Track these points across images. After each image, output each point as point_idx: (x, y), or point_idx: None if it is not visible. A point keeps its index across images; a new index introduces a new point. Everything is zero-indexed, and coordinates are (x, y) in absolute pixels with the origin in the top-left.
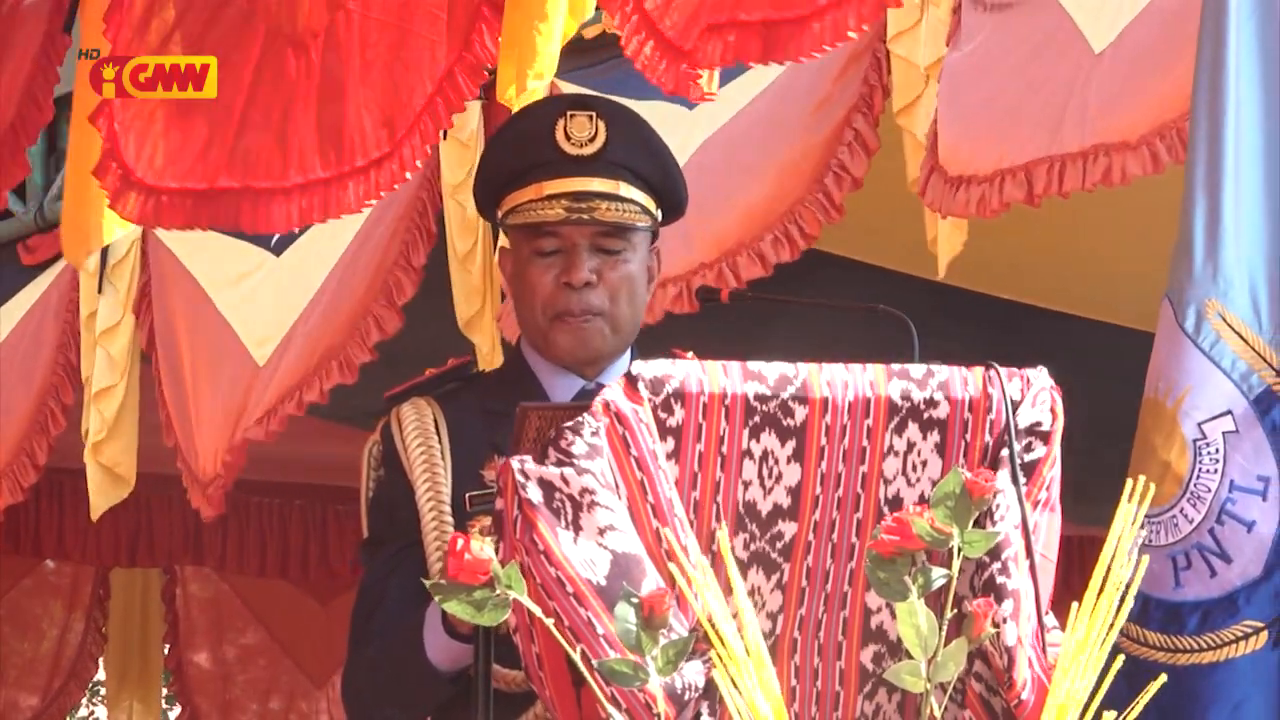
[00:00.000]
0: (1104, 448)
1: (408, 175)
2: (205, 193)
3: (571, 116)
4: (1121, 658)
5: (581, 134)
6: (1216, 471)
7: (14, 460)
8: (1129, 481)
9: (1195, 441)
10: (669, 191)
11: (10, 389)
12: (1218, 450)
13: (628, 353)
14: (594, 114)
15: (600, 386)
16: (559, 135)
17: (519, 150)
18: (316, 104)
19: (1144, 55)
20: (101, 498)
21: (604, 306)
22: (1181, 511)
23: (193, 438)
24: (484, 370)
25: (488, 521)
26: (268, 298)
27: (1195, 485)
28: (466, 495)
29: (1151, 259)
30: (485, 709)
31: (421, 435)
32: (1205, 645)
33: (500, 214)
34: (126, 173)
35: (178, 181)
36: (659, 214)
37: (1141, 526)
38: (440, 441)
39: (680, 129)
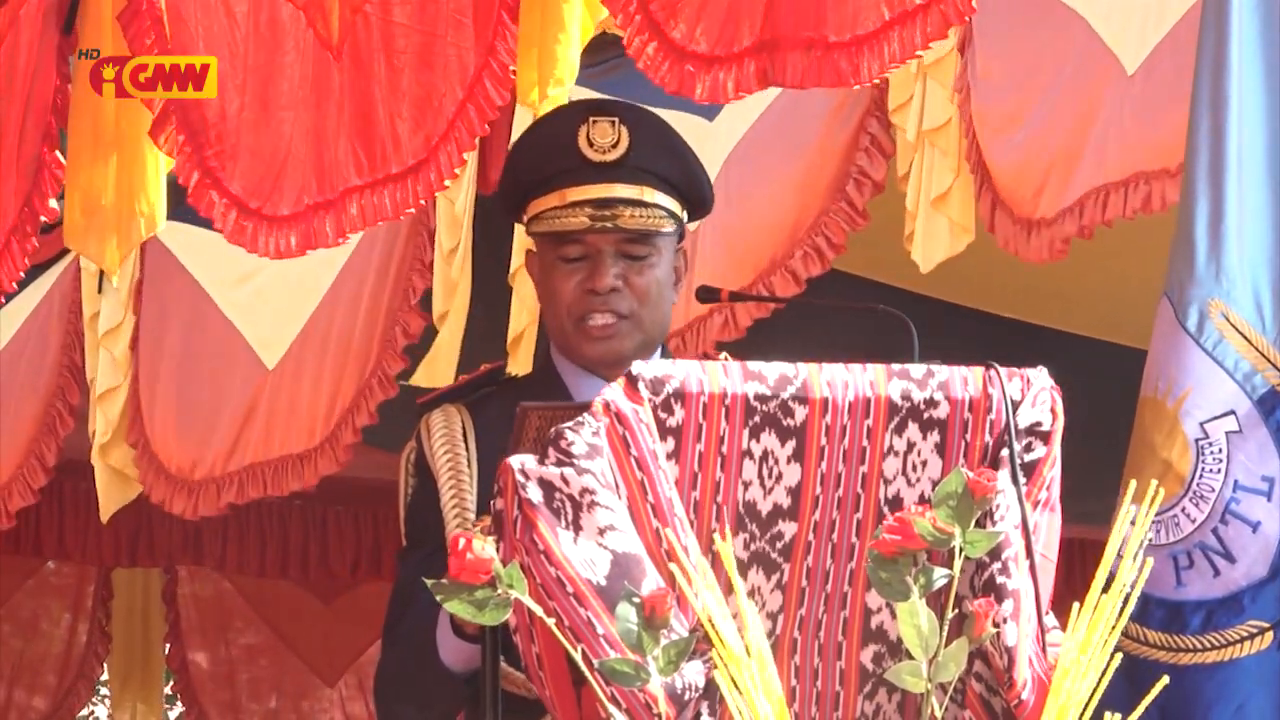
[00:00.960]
0: (1102, 455)
1: (446, 183)
2: (302, 214)
3: (594, 123)
4: (1119, 657)
5: (605, 140)
6: (1220, 471)
7: (24, 463)
8: (1133, 483)
9: (1197, 441)
10: (694, 192)
11: (18, 390)
12: (1221, 450)
13: (656, 355)
14: (616, 119)
15: None
16: (582, 141)
17: (543, 157)
18: (351, 113)
19: (1176, 76)
20: (110, 500)
21: (630, 311)
22: (1183, 510)
23: (166, 432)
24: (516, 375)
25: (489, 520)
26: (273, 300)
27: (1198, 484)
28: (491, 501)
29: (1142, 273)
30: (494, 708)
31: (448, 442)
32: (1209, 645)
33: (526, 219)
34: (237, 202)
35: (289, 207)
36: (684, 215)
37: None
38: (467, 448)
39: (704, 143)
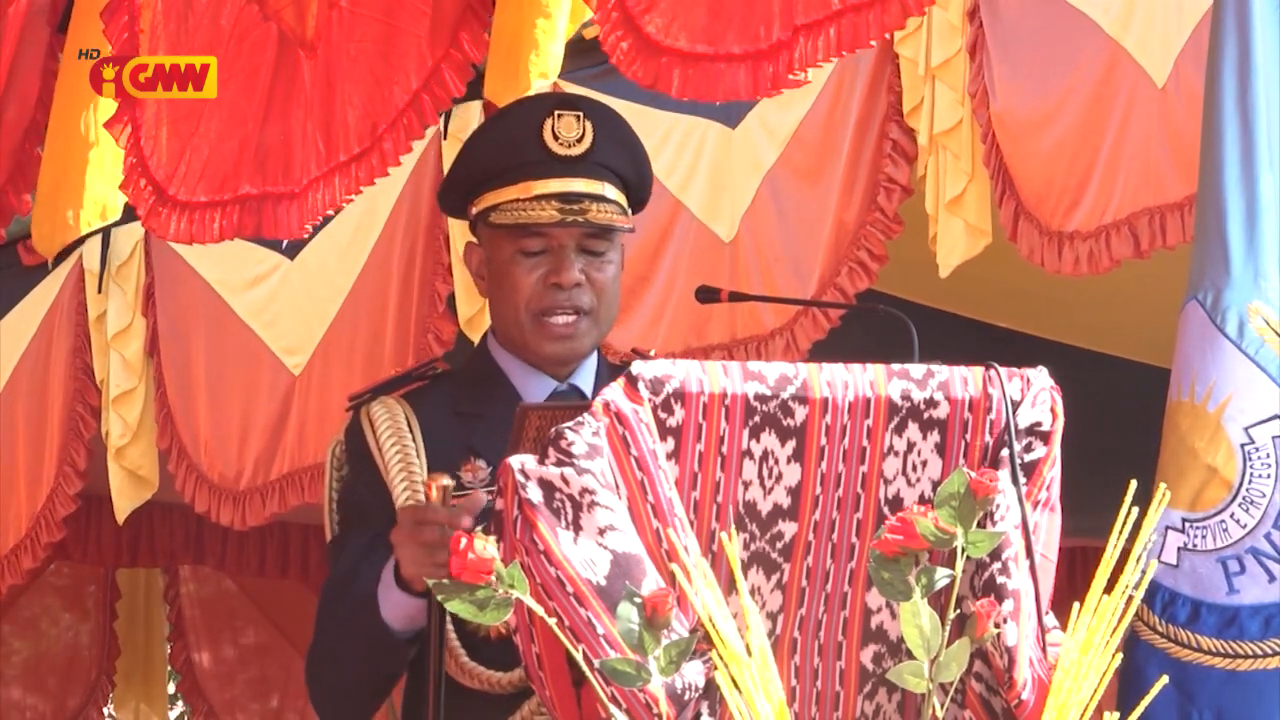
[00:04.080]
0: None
1: (389, 170)
2: (230, 201)
3: (559, 116)
4: (1119, 657)
5: (570, 134)
6: (1270, 476)
7: (59, 470)
8: (1133, 483)
9: (1243, 446)
10: (641, 191)
11: (41, 397)
12: (1269, 455)
13: (595, 352)
14: (581, 114)
15: (573, 387)
16: (546, 134)
17: (505, 148)
18: (318, 104)
19: (1202, 88)
20: (125, 500)
21: (591, 306)
22: (1232, 516)
23: (205, 441)
24: (447, 370)
25: (444, 480)
26: (289, 304)
27: (1248, 490)
28: (430, 478)
29: (1139, 283)
30: (438, 664)
31: (395, 434)
32: (1271, 650)
33: (476, 210)
34: (159, 189)
35: (208, 195)
36: (630, 213)
37: (1154, 531)
38: (414, 440)
39: (730, 151)
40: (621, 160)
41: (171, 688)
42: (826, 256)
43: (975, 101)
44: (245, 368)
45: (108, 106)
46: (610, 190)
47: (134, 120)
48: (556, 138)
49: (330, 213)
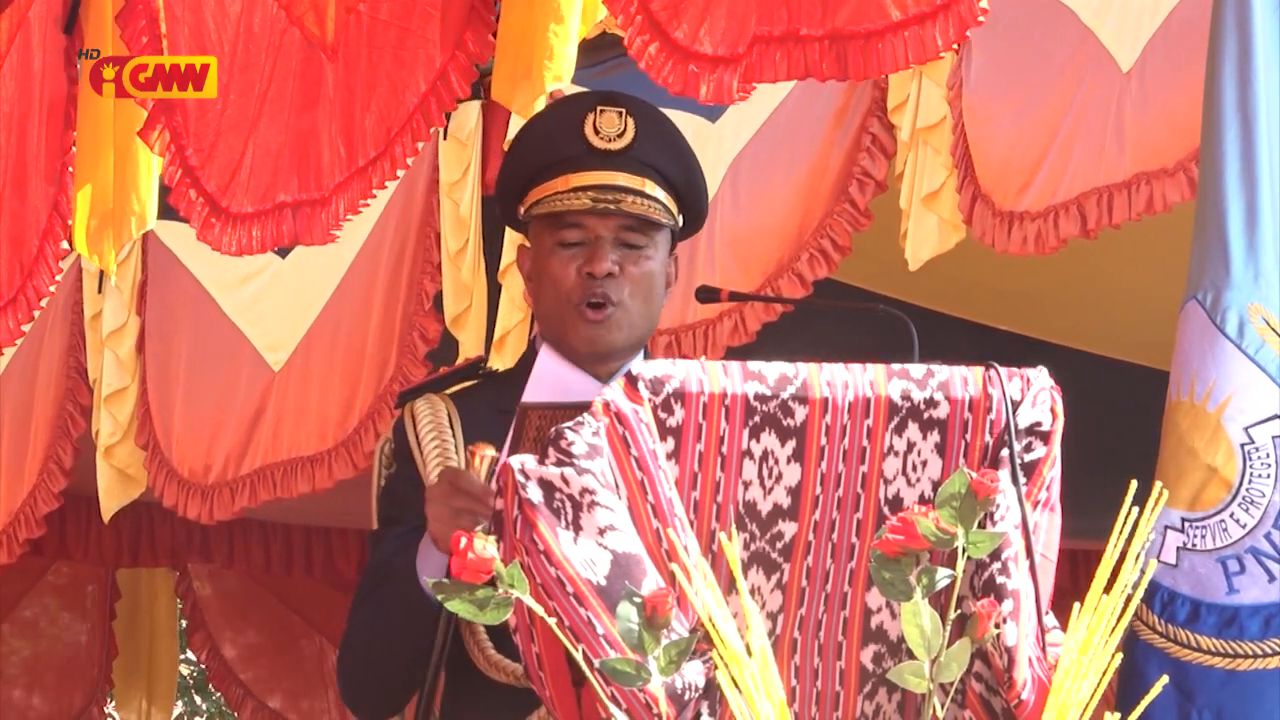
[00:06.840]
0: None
1: (399, 173)
2: (270, 211)
3: (601, 112)
4: (1119, 657)
5: (611, 129)
6: (1270, 476)
7: (44, 468)
8: (1133, 483)
9: (1243, 446)
10: (691, 196)
11: (30, 394)
12: (1269, 455)
13: (641, 353)
14: (623, 110)
15: None
16: (588, 130)
17: (547, 145)
18: (339, 109)
19: (1169, 72)
20: (112, 499)
21: (623, 299)
22: (1231, 516)
23: (178, 436)
24: (496, 369)
25: (488, 451)
26: (276, 302)
27: (1248, 490)
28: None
29: (1138, 283)
30: (440, 654)
31: (436, 430)
32: (1271, 650)
33: (524, 210)
34: (211, 201)
35: (253, 205)
36: (680, 219)
37: (1151, 530)
38: (455, 436)
39: (707, 145)
40: (665, 159)
41: (180, 684)
42: (787, 243)
43: (953, 94)
44: (226, 364)
45: (131, 111)
46: (652, 188)
47: (172, 127)
48: (597, 132)
49: (350, 217)
